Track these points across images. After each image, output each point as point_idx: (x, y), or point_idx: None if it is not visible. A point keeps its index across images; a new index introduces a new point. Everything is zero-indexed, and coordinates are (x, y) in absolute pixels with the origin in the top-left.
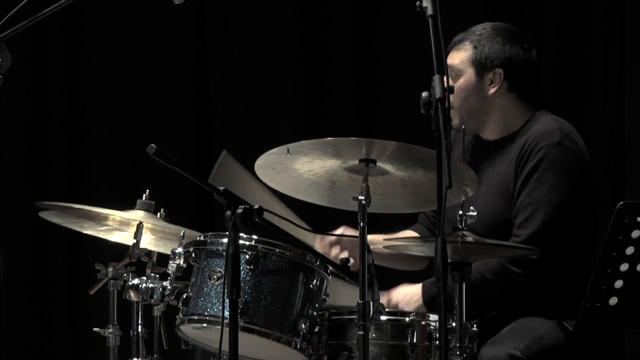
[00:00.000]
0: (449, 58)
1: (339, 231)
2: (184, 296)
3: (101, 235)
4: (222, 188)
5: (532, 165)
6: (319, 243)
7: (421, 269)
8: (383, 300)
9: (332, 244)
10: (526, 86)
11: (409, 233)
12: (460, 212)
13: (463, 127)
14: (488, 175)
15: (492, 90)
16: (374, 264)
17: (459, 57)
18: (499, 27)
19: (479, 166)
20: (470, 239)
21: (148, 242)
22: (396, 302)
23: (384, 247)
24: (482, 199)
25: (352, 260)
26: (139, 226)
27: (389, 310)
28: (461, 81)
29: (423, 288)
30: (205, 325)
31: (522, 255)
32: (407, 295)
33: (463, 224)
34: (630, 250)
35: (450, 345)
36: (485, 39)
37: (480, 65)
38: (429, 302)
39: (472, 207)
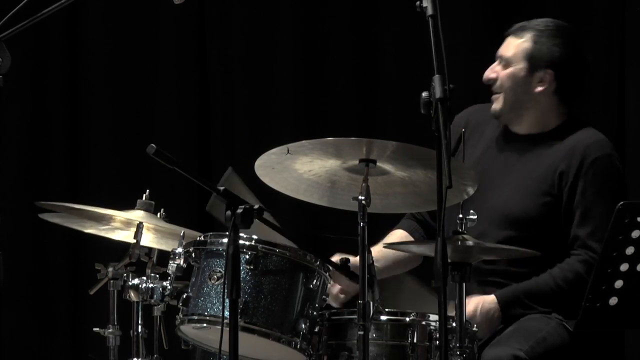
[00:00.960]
0: (504, 43)
1: (334, 258)
2: (184, 296)
3: (102, 234)
4: (222, 188)
5: (589, 179)
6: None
7: (416, 267)
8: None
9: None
10: (572, 91)
11: (399, 233)
12: (460, 216)
13: (463, 130)
14: (516, 169)
15: (539, 89)
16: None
17: (514, 46)
18: (561, 27)
19: (505, 158)
20: (470, 243)
21: (149, 241)
22: (480, 322)
23: (385, 245)
24: (505, 191)
25: (351, 260)
26: (139, 226)
27: (389, 310)
28: (510, 69)
29: (499, 301)
30: (205, 325)
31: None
32: (488, 312)
33: (463, 227)
34: (630, 250)
35: (451, 346)
36: (546, 37)
37: (535, 62)
38: (507, 315)
39: (472, 211)
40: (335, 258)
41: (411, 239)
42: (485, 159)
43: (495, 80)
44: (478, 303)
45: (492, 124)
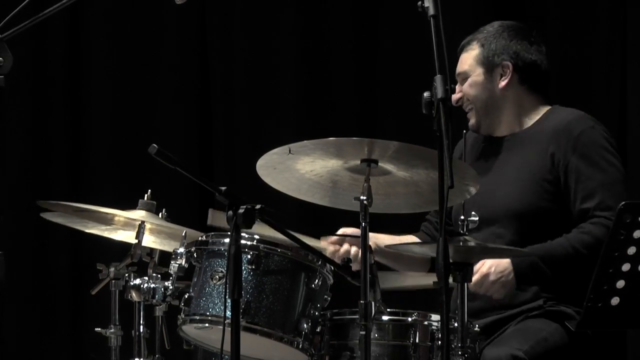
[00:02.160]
0: (459, 63)
1: (339, 232)
2: (186, 296)
3: (104, 234)
4: (223, 188)
5: (579, 152)
6: (324, 244)
7: (422, 272)
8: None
9: (335, 243)
10: (537, 79)
11: (412, 238)
12: (462, 217)
13: (465, 131)
14: (509, 166)
15: (502, 84)
16: (376, 262)
17: (467, 59)
18: (505, 24)
19: (494, 161)
20: (472, 244)
21: (151, 241)
22: (494, 279)
23: (385, 246)
24: (503, 189)
25: (353, 260)
26: (141, 226)
27: (391, 310)
28: (470, 80)
29: (513, 263)
30: (207, 325)
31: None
32: (504, 271)
33: (464, 229)
34: (632, 250)
35: (452, 346)
36: (492, 36)
37: (489, 62)
38: (522, 278)
39: (473, 212)
40: (341, 231)
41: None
42: (475, 167)
43: (461, 99)
44: (492, 264)
45: (476, 138)
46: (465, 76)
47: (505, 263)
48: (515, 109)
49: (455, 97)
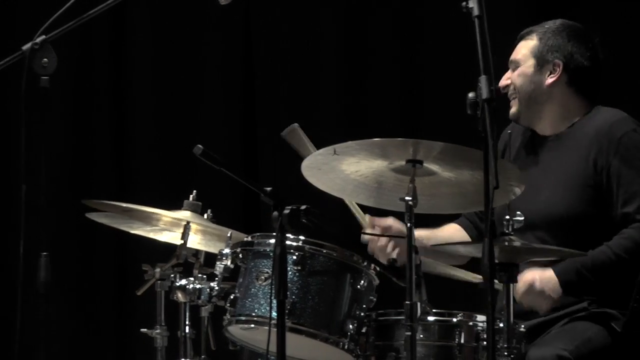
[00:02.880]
0: (514, 50)
1: (387, 221)
2: (232, 297)
3: (150, 235)
4: (269, 189)
5: (620, 156)
6: (369, 228)
7: (461, 264)
8: (520, 287)
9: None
10: (585, 83)
11: (454, 226)
12: (507, 217)
13: (509, 132)
14: (552, 169)
15: (549, 81)
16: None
17: (523, 48)
18: (567, 23)
19: (537, 162)
20: (517, 243)
21: (196, 243)
22: (540, 289)
23: (432, 245)
24: (545, 193)
25: (398, 261)
26: (186, 227)
27: (437, 310)
28: (520, 70)
29: (556, 272)
30: (252, 326)
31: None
32: (549, 281)
33: (510, 229)
34: None
35: (498, 346)
36: (551, 33)
37: (541, 57)
38: (569, 287)
39: (518, 212)
40: (389, 221)
41: (464, 234)
42: (520, 165)
43: (508, 86)
44: (537, 273)
45: (521, 136)
46: (517, 64)
47: (549, 273)
48: (558, 109)
49: (502, 82)
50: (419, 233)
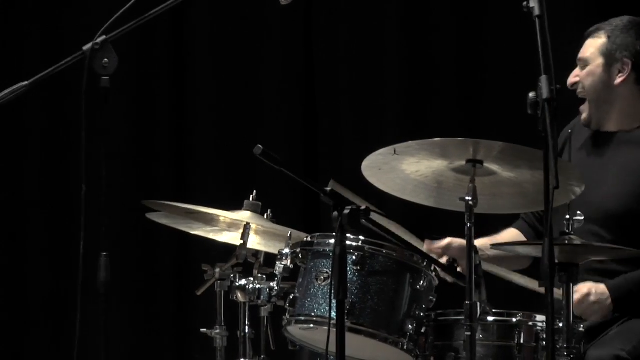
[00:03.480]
0: (582, 48)
1: (445, 241)
2: (291, 297)
3: (209, 236)
4: (329, 189)
5: None
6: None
7: (525, 268)
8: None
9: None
10: None
11: (512, 232)
12: (568, 216)
13: (569, 131)
14: (612, 166)
15: (618, 80)
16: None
17: (591, 46)
18: (636, 21)
19: (599, 158)
20: (577, 242)
21: (256, 243)
22: (595, 301)
23: (491, 246)
24: (604, 190)
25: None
26: (246, 227)
27: (496, 311)
28: (588, 69)
29: (609, 289)
30: (312, 326)
31: None
32: (603, 295)
33: (570, 228)
34: None
35: (558, 346)
36: (619, 30)
37: (610, 56)
38: (619, 304)
39: (579, 212)
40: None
41: (523, 238)
42: (579, 163)
43: (577, 83)
44: (592, 286)
45: (584, 133)
46: (585, 63)
47: (603, 287)
48: (627, 107)
49: (571, 80)
50: (478, 242)
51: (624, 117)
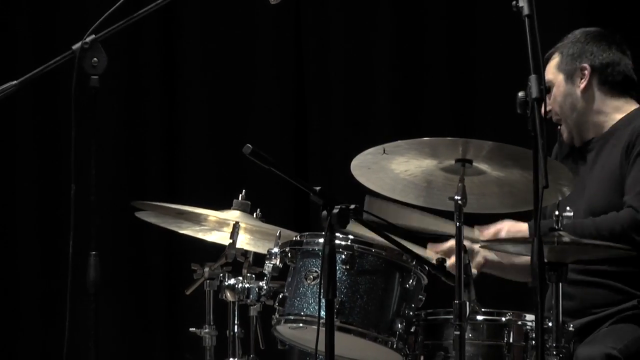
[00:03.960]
0: (547, 67)
1: (448, 244)
2: (280, 296)
3: (199, 235)
4: (318, 188)
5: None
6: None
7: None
8: (488, 231)
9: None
10: (617, 79)
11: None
12: (557, 213)
13: (559, 127)
14: (594, 169)
15: (582, 86)
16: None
17: (550, 68)
18: (585, 30)
19: (584, 162)
20: (566, 239)
21: (245, 243)
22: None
23: (480, 246)
24: (590, 189)
25: (448, 261)
26: (235, 226)
27: (485, 310)
28: (554, 92)
29: (530, 229)
30: (301, 325)
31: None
32: (517, 233)
33: (559, 225)
34: None
35: (547, 345)
36: (570, 42)
37: (567, 68)
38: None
39: (568, 207)
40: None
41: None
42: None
43: (549, 112)
44: (509, 224)
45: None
46: (549, 85)
47: (522, 226)
48: (599, 108)
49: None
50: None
51: (599, 119)
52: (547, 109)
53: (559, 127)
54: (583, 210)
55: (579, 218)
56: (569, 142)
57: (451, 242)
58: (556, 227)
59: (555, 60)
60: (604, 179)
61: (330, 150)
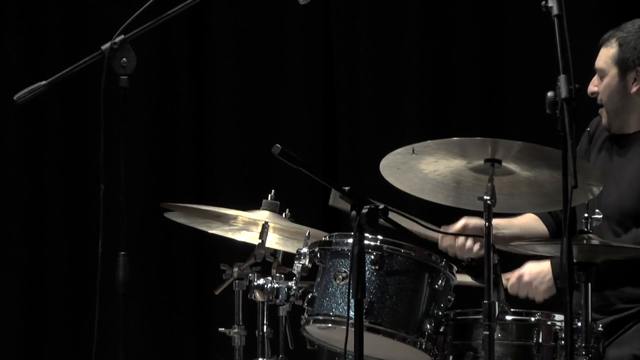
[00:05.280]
0: (598, 56)
1: (460, 222)
2: (309, 296)
3: (228, 235)
4: (347, 188)
5: None
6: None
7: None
8: (511, 278)
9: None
10: None
11: (530, 215)
12: (586, 215)
13: (588, 129)
14: (629, 166)
15: (634, 89)
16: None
17: (605, 55)
18: None
19: (617, 158)
20: (595, 241)
21: (274, 242)
22: (528, 280)
23: (509, 244)
24: (620, 188)
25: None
26: (265, 226)
27: (514, 310)
28: (605, 81)
29: (552, 265)
30: (330, 325)
31: None
32: (539, 273)
33: (588, 227)
34: None
35: (576, 346)
36: (632, 37)
37: (623, 64)
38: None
39: (597, 210)
40: (461, 222)
41: (540, 223)
42: (599, 163)
43: (597, 93)
44: (530, 266)
45: (603, 131)
46: (602, 73)
47: (543, 265)
48: None
49: (591, 89)
50: (495, 222)
51: None
52: (594, 90)
53: (599, 109)
54: (612, 207)
55: (608, 215)
56: (606, 128)
57: (463, 221)
58: (585, 229)
59: (611, 51)
60: (631, 182)
61: (360, 150)
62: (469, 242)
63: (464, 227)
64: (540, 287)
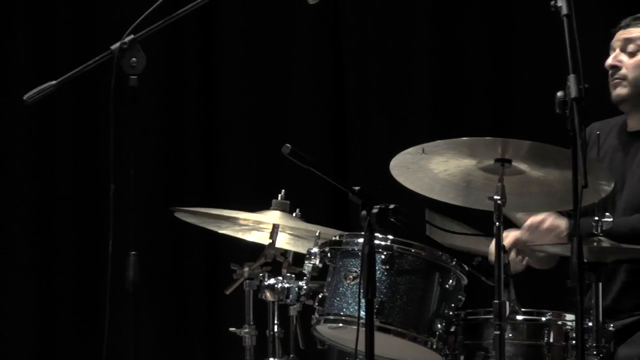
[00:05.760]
0: (625, 31)
1: (511, 237)
2: (320, 296)
3: (238, 235)
4: (357, 188)
5: None
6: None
7: (549, 268)
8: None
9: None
10: None
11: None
12: (596, 218)
13: (598, 132)
14: (637, 161)
15: None
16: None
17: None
18: None
19: (630, 156)
20: (606, 244)
21: (285, 242)
22: (548, 228)
23: (523, 245)
24: (628, 184)
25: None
26: (275, 226)
27: (525, 310)
28: (637, 58)
29: (568, 224)
30: (341, 325)
31: None
32: (558, 227)
33: (598, 230)
34: None
35: (587, 345)
36: None
37: None
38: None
39: (607, 213)
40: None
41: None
42: (608, 160)
43: (619, 68)
44: (550, 216)
45: (611, 133)
46: (635, 49)
47: (561, 222)
48: None
49: (612, 62)
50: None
51: None
52: (617, 64)
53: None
54: (623, 201)
55: (617, 207)
56: (617, 100)
57: (513, 236)
58: (595, 232)
59: None
60: None
61: (369, 150)
62: (519, 256)
63: (516, 242)
64: (553, 239)
